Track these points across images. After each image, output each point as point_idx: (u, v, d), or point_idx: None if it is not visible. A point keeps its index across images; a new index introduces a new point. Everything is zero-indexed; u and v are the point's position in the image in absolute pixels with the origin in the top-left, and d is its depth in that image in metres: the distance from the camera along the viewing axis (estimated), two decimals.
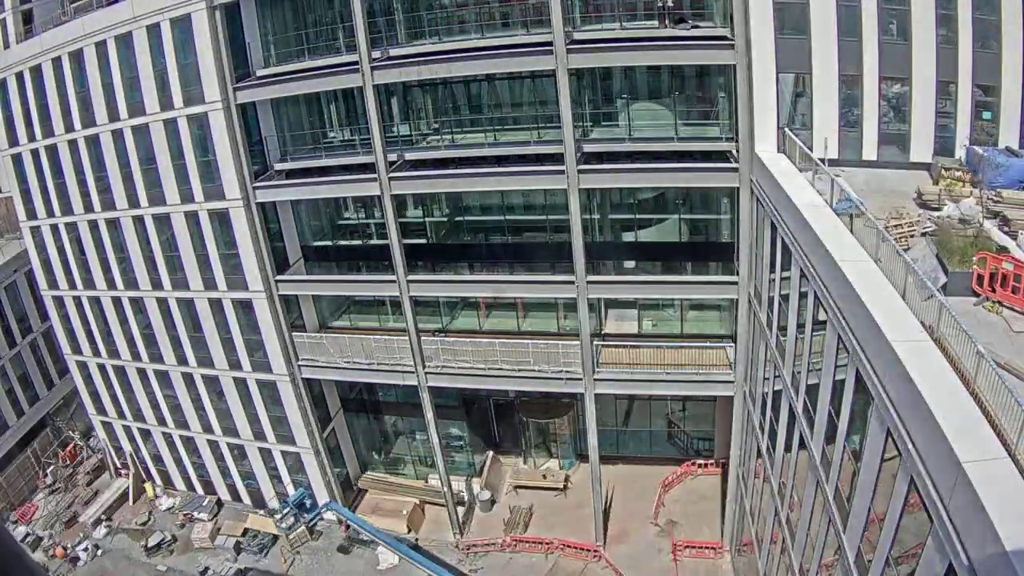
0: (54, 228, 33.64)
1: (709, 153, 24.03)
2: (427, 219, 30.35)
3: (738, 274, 24.37)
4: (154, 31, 26.67)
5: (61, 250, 34.06)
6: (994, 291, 14.25)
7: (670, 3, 23.18)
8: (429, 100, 28.90)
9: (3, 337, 39.10)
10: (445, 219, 30.66)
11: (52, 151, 31.69)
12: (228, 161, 27.20)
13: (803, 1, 20.99)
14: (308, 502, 31.87)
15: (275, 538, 33.32)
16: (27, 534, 36.51)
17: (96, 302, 34.34)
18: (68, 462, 40.64)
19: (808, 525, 17.85)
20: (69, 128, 30.52)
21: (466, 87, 27.91)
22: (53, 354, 40.64)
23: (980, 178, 19.24)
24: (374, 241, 30.24)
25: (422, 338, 28.65)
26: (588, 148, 24.69)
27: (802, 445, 18.00)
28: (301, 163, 28.40)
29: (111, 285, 33.11)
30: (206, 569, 32.68)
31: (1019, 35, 20.34)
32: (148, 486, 38.16)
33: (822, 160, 19.35)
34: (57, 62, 29.58)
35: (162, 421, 35.76)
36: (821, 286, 15.69)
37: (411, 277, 27.72)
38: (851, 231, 16.05)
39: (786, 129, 21.44)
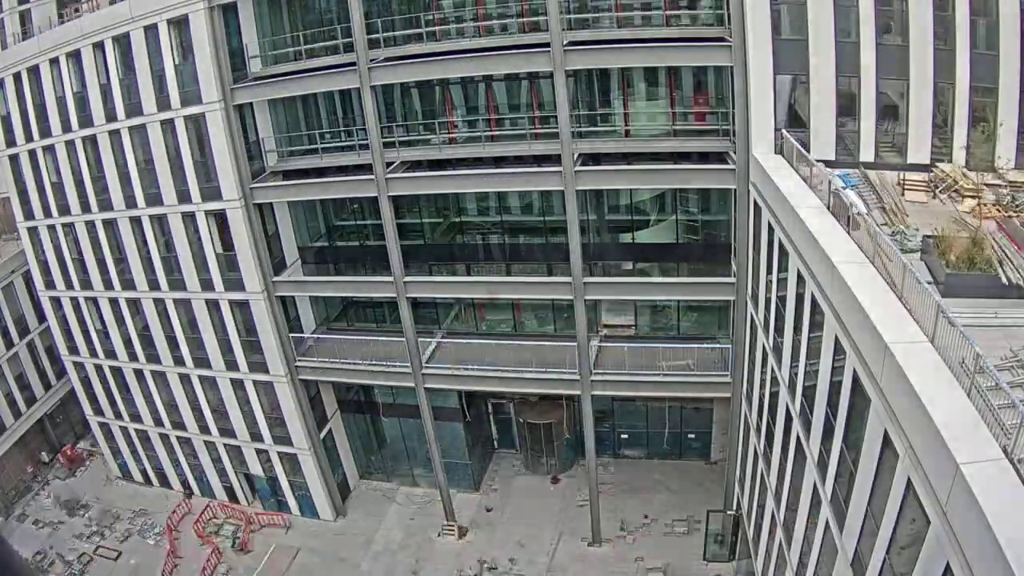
0: (51, 229, 33.53)
1: (707, 154, 24.05)
2: (424, 220, 30.30)
3: (735, 275, 24.38)
4: (152, 32, 26.55)
5: (58, 251, 33.97)
6: None
7: None
8: (427, 101, 28.86)
9: (0, 338, 38.98)
10: (442, 220, 30.62)
11: (49, 152, 31.59)
12: (225, 162, 27.11)
13: (801, 2, 20.99)
14: None
15: None
16: None
17: (93, 303, 34.23)
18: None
19: (805, 527, 17.84)
20: (66, 129, 30.39)
21: (463, 88, 27.90)
22: (51, 355, 40.53)
23: None
24: (371, 242, 30.17)
25: (419, 339, 28.60)
26: (585, 149, 24.68)
27: (799, 447, 17.99)
28: (298, 164, 28.36)
29: (108, 286, 32.99)
30: None
31: (1017, 37, 20.35)
32: None
33: (820, 161, 19.35)
34: (55, 63, 29.49)
35: (159, 422, 35.66)
36: (818, 287, 15.68)
37: (408, 278, 27.71)
38: (848, 232, 16.04)
39: (783, 130, 21.45)
